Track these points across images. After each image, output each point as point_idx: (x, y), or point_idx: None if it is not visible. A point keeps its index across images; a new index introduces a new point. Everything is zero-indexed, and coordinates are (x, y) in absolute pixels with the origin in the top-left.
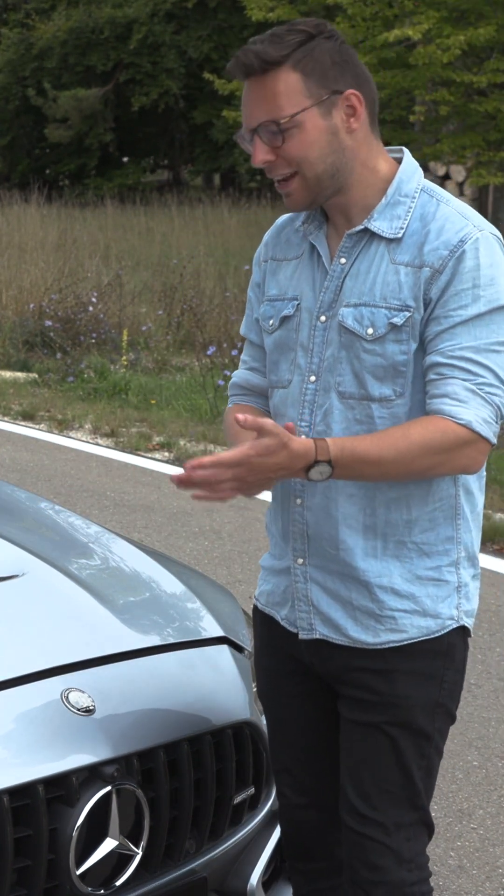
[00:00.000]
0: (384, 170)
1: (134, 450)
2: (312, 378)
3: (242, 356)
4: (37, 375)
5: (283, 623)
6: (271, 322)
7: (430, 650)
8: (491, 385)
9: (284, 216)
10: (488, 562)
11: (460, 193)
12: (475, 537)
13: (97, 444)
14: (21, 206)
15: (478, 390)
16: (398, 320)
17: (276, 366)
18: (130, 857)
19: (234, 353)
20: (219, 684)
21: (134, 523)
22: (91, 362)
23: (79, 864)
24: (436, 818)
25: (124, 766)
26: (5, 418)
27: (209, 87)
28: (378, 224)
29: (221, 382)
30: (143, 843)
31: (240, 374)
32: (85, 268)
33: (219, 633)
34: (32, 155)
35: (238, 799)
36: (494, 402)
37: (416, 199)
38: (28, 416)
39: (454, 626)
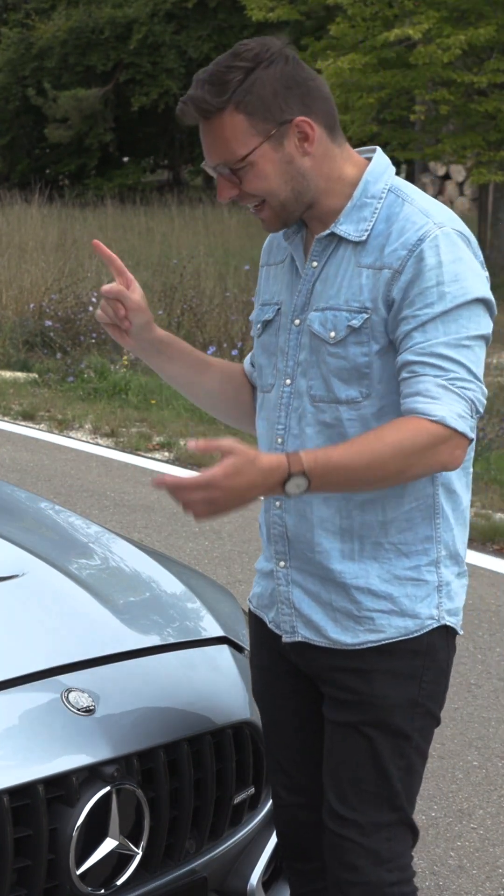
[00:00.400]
0: (351, 174)
1: (134, 450)
2: (288, 381)
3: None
4: (37, 375)
5: (270, 626)
6: (258, 327)
7: (410, 650)
8: (463, 380)
9: None
10: (488, 562)
11: (460, 193)
12: (458, 536)
13: (97, 444)
14: (21, 206)
15: (450, 385)
16: (356, 323)
17: (261, 370)
18: (130, 857)
19: (235, 353)
20: (219, 684)
21: (134, 523)
22: (91, 362)
23: (79, 864)
24: (435, 818)
25: (124, 766)
26: (5, 418)
27: None
28: (344, 228)
29: None
30: (143, 843)
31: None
32: (85, 268)
33: (219, 633)
34: (32, 155)
35: (238, 799)
36: (468, 396)
37: (383, 200)
38: (28, 416)
39: (434, 625)
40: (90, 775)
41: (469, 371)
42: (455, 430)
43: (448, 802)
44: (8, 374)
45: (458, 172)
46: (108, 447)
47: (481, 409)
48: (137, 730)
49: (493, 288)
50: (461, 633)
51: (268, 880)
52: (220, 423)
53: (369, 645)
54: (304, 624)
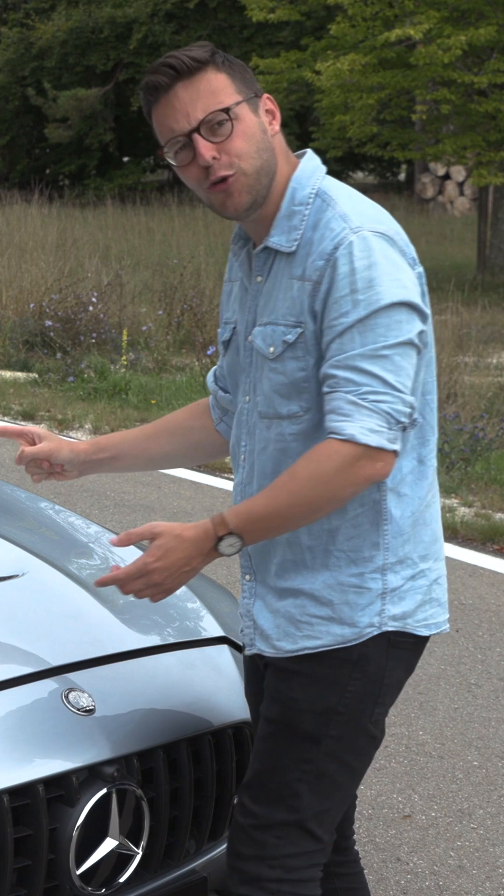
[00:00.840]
0: (285, 174)
1: None
2: (247, 399)
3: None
4: (37, 375)
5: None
6: (221, 347)
7: (339, 658)
8: (376, 392)
9: None
10: (488, 562)
11: (460, 193)
12: (414, 538)
13: None
14: (21, 205)
15: (360, 401)
16: (290, 338)
17: (233, 390)
18: (130, 857)
19: None
20: (219, 684)
21: (134, 523)
22: (91, 362)
23: (79, 864)
24: (435, 818)
25: (124, 767)
26: (5, 418)
27: None
28: (275, 239)
29: None
30: (143, 843)
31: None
32: (85, 268)
33: (219, 632)
34: (32, 155)
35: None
36: (382, 409)
37: (311, 206)
38: (28, 416)
39: (374, 633)
40: (90, 775)
41: (384, 383)
42: (368, 446)
43: (448, 802)
44: (8, 374)
45: (459, 172)
46: None
47: (404, 419)
48: (137, 730)
49: (494, 288)
50: (426, 633)
51: None
52: None
53: (306, 651)
54: (260, 636)
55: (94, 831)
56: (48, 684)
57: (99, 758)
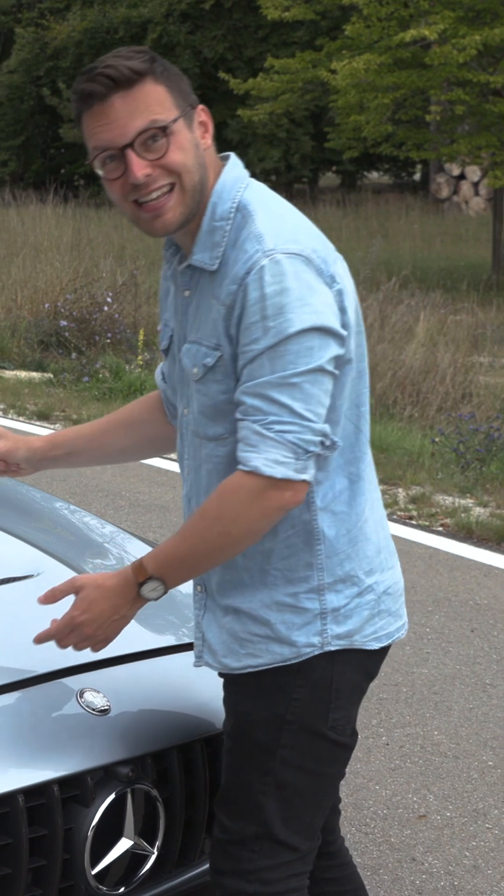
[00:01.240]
0: (212, 186)
1: None
2: (186, 411)
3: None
4: (52, 375)
5: None
6: (162, 352)
7: (280, 667)
8: (282, 422)
9: None
10: (502, 562)
11: (475, 193)
12: (356, 555)
13: None
14: (36, 205)
15: (266, 431)
16: (209, 361)
17: (174, 397)
18: (146, 857)
19: None
20: None
21: (149, 523)
22: (106, 362)
23: (94, 863)
24: (451, 818)
25: (139, 767)
26: (21, 418)
27: (224, 86)
28: (199, 257)
29: None
30: (158, 843)
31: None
32: (100, 268)
33: None
34: (47, 155)
35: None
36: (288, 439)
37: (231, 221)
38: (43, 416)
39: (314, 653)
40: (105, 775)
41: (292, 412)
42: (273, 478)
43: (463, 802)
44: (23, 374)
45: (474, 172)
46: None
47: (313, 448)
48: (152, 730)
49: None
50: (376, 646)
51: None
52: None
53: (249, 670)
54: (207, 650)
55: (109, 831)
56: (63, 684)
57: (114, 758)
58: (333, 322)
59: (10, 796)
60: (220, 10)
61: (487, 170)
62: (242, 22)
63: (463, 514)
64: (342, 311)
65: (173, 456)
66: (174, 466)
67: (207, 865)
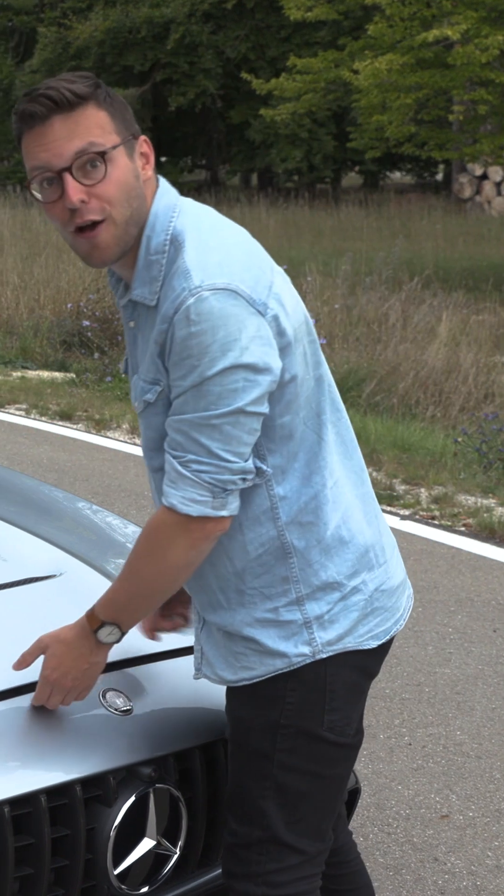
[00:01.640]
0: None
1: None
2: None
3: None
4: (74, 375)
5: None
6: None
7: (275, 675)
8: (200, 462)
9: None
10: None
11: (498, 193)
12: (332, 561)
13: (135, 443)
14: None
15: (183, 469)
16: (150, 397)
17: None
18: (168, 857)
19: None
20: None
21: None
22: None
23: (116, 863)
24: (473, 818)
25: (161, 767)
26: (43, 418)
27: (246, 86)
28: (138, 292)
29: None
30: (180, 843)
31: None
32: None
33: None
34: None
35: None
36: (204, 479)
37: (166, 255)
38: (66, 416)
39: (307, 661)
40: (128, 775)
41: (210, 453)
42: (189, 515)
43: (486, 802)
44: (46, 374)
45: (496, 172)
46: None
47: (232, 486)
48: (174, 730)
49: None
50: (374, 644)
51: None
52: None
53: (244, 682)
54: (205, 662)
55: (132, 831)
56: None
57: (136, 758)
58: (261, 357)
59: (33, 796)
60: (242, 10)
61: None
62: (265, 22)
63: (485, 514)
64: (280, 334)
65: None
66: None
67: None
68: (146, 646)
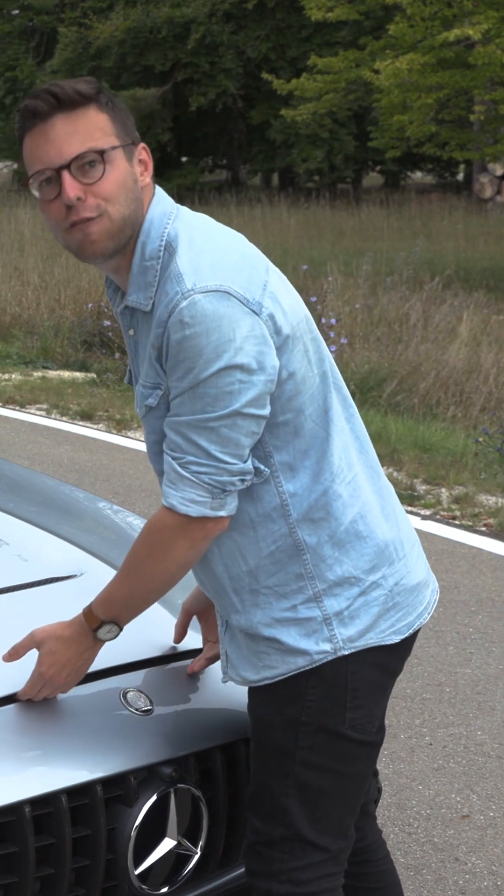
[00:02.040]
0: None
1: None
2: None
3: None
4: (95, 375)
5: None
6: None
7: (296, 672)
8: (199, 463)
9: None
10: None
11: None
12: (348, 557)
13: None
14: None
15: (182, 470)
16: (151, 402)
17: None
18: (189, 857)
19: None
20: None
21: None
22: None
23: (137, 863)
24: (494, 818)
25: (182, 767)
26: (64, 418)
27: (267, 87)
28: (134, 298)
29: None
30: (201, 843)
31: None
32: None
33: None
34: None
35: None
36: (203, 480)
37: (160, 260)
38: (86, 416)
39: (328, 658)
40: (148, 775)
41: (208, 454)
42: (189, 516)
43: None
44: (66, 374)
45: None
46: None
47: (231, 487)
48: (195, 730)
49: None
50: (396, 639)
51: None
52: None
53: (266, 682)
54: (230, 665)
55: (153, 831)
56: (106, 684)
57: (157, 758)
58: (256, 357)
59: (54, 796)
60: (263, 10)
61: None
62: (286, 22)
63: None
64: (277, 332)
65: None
66: None
67: None
68: (167, 646)
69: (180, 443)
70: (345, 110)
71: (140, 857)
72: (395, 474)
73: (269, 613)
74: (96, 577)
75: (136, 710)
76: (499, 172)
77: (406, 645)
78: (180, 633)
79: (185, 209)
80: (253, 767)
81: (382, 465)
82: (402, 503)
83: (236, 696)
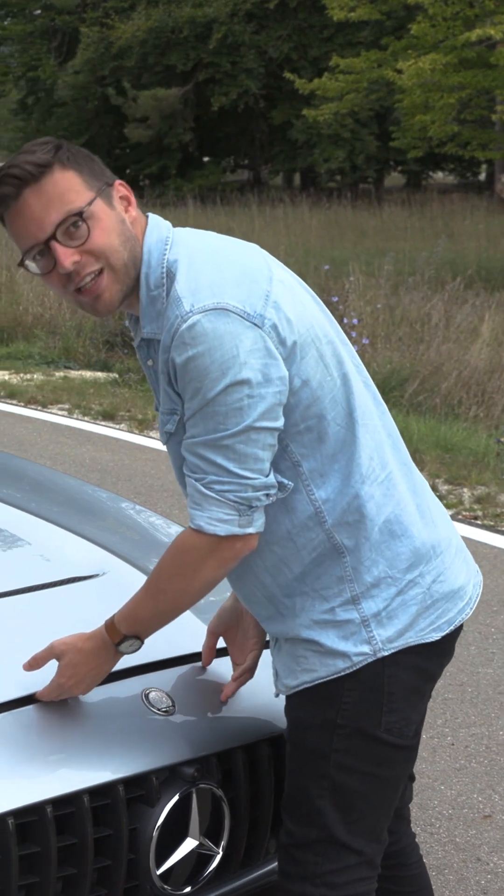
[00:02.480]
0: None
1: None
2: None
3: None
4: (117, 375)
5: None
6: None
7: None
8: (221, 482)
9: None
10: None
11: None
12: (384, 557)
13: None
14: None
15: (206, 490)
16: (170, 427)
17: None
18: (211, 857)
19: None
20: None
21: None
22: None
23: (159, 863)
24: None
25: (204, 767)
26: (86, 418)
27: (289, 86)
28: (148, 329)
29: None
30: (223, 843)
31: None
32: None
33: None
34: (112, 154)
35: None
36: (229, 498)
37: (164, 288)
38: (108, 416)
39: (368, 660)
40: (170, 775)
41: (228, 472)
42: (217, 535)
43: None
44: (88, 374)
45: None
46: None
47: (257, 503)
48: (217, 730)
49: None
50: (437, 636)
51: None
52: None
53: (304, 686)
54: (275, 675)
55: (174, 831)
56: (128, 684)
57: (179, 758)
58: (262, 369)
59: (76, 796)
60: (285, 10)
61: None
62: (307, 22)
63: None
64: (282, 343)
65: None
66: None
67: (272, 866)
68: (189, 645)
69: (199, 463)
70: (366, 110)
71: (162, 858)
72: None
73: (309, 615)
74: (118, 576)
75: (158, 710)
76: None
77: (446, 645)
78: (208, 657)
79: (183, 230)
80: (289, 769)
81: None
82: None
83: (258, 696)
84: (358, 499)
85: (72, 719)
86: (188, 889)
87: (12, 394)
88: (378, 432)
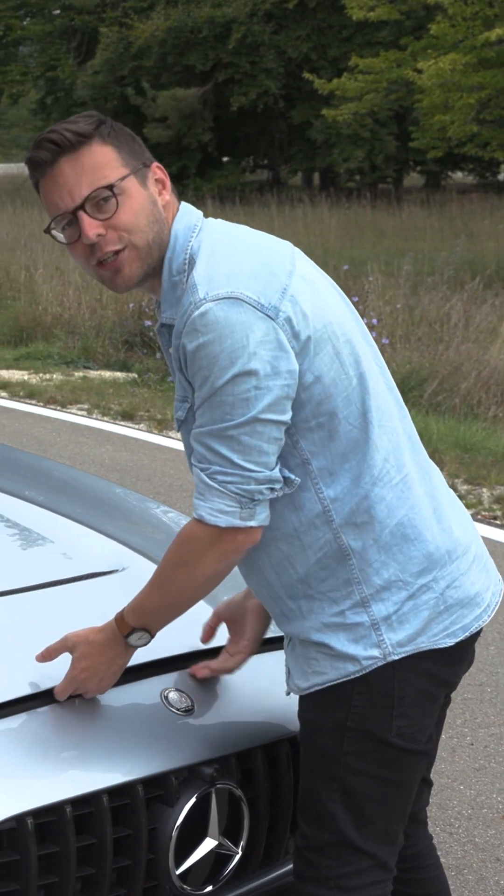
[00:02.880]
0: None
1: None
2: None
3: None
4: (136, 375)
5: None
6: None
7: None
8: (224, 473)
9: None
10: None
11: None
12: (395, 560)
13: None
14: None
15: (210, 480)
16: (180, 415)
17: None
18: (230, 857)
19: None
20: None
21: None
22: None
23: (178, 863)
24: None
25: (223, 767)
26: (105, 418)
27: (308, 86)
28: (168, 314)
29: None
30: (242, 843)
31: None
32: None
33: None
34: None
35: None
36: (231, 489)
37: (186, 274)
38: (128, 416)
39: (378, 664)
40: (189, 775)
41: (232, 463)
42: (218, 527)
43: None
44: (108, 374)
45: None
46: None
47: (259, 496)
48: (236, 730)
49: None
50: (450, 642)
51: None
52: None
53: (315, 688)
54: (288, 674)
55: (194, 831)
56: (147, 684)
57: (198, 758)
58: (271, 361)
59: (95, 796)
60: (304, 10)
61: None
62: (326, 22)
63: None
64: (295, 336)
65: None
66: None
67: (291, 865)
68: (211, 642)
69: (205, 453)
70: (386, 110)
71: (181, 857)
72: None
73: (319, 618)
74: (138, 572)
75: (177, 709)
76: None
77: (461, 652)
78: (207, 634)
79: (214, 221)
80: (301, 772)
81: None
82: None
83: (278, 696)
84: (368, 500)
85: (91, 720)
86: (207, 889)
87: (32, 394)
88: (397, 435)
